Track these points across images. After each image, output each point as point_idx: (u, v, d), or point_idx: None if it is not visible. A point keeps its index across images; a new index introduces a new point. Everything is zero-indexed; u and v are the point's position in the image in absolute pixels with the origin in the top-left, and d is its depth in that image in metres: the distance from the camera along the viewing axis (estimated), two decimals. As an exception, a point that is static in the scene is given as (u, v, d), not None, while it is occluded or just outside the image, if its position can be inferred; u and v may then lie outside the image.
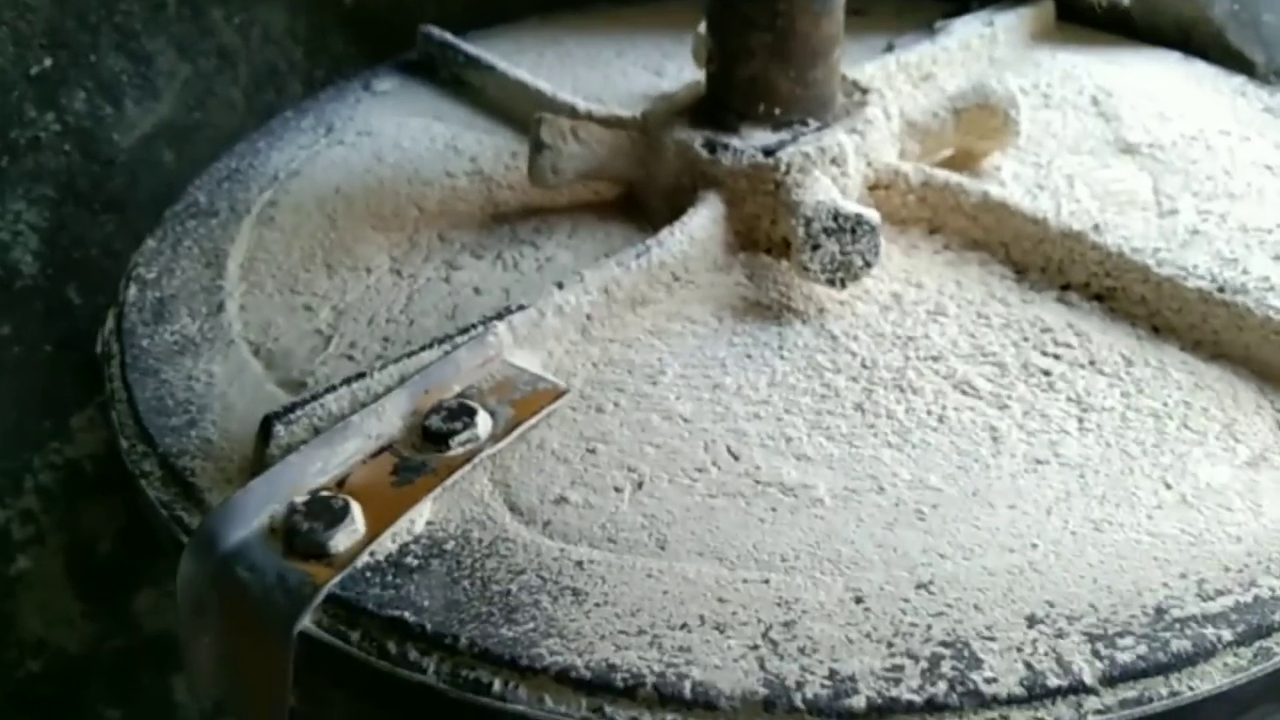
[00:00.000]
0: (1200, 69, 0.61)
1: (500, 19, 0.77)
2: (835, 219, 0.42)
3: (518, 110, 0.60)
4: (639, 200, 0.52)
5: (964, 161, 0.52)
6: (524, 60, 0.67)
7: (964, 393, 0.40)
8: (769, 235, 0.48)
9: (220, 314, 0.47)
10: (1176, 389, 0.39)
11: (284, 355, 0.44)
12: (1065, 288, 0.45)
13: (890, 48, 0.61)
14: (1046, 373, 0.40)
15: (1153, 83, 0.59)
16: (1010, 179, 0.51)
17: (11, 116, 0.69)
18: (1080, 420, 0.38)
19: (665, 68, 0.64)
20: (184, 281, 0.49)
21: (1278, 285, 0.45)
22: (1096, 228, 0.44)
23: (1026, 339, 0.42)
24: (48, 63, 0.69)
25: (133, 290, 0.49)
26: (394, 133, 0.60)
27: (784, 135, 0.48)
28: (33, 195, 0.71)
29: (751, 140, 0.47)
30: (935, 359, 0.41)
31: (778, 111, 0.48)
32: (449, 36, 0.66)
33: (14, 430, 0.73)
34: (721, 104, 0.49)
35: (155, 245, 0.52)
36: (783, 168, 0.46)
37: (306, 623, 0.33)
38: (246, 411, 0.41)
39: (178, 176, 0.74)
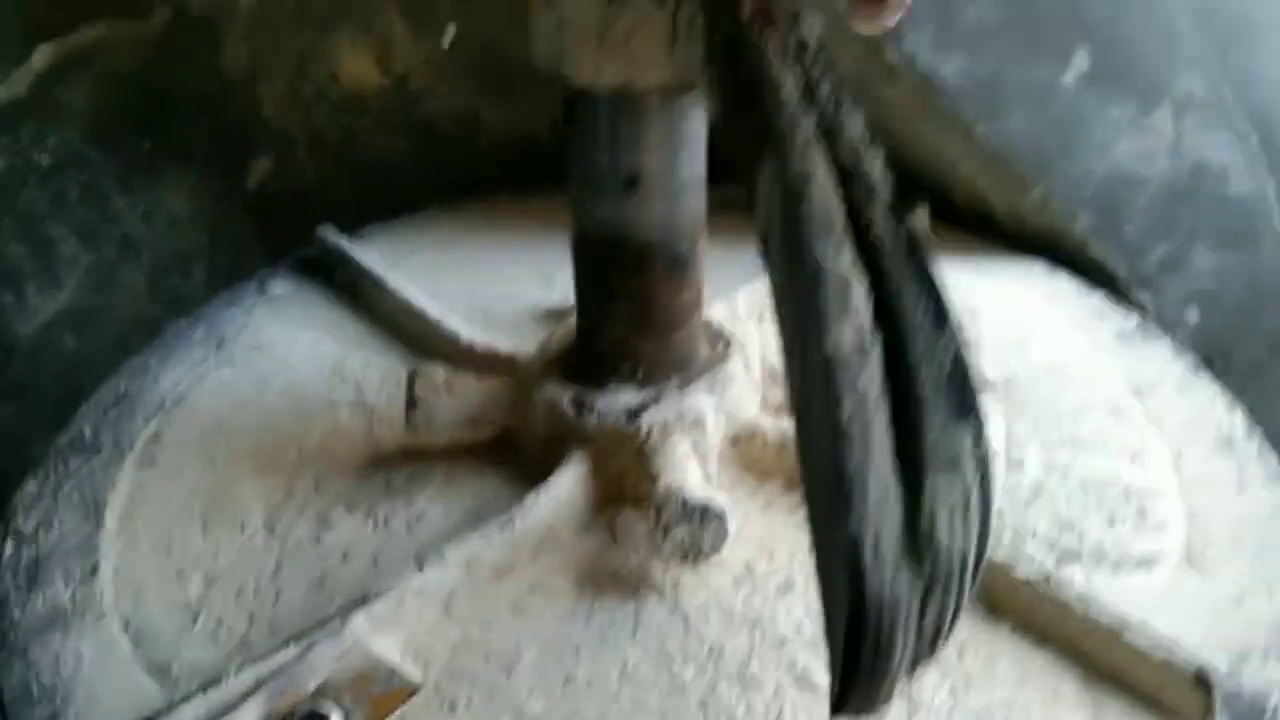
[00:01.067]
0: (1063, 285, 0.65)
1: (406, 205, 0.79)
2: (684, 507, 0.44)
3: (406, 331, 0.62)
4: (514, 443, 0.53)
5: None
6: (420, 264, 0.68)
7: (800, 688, 0.41)
8: (634, 490, 0.49)
9: (94, 578, 0.48)
10: (1003, 684, 0.42)
11: (152, 634, 0.45)
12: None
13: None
14: (882, 662, 0.42)
15: (1014, 304, 0.62)
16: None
17: (-90, 304, 0.70)
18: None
19: (556, 277, 0.66)
20: (61, 536, 0.50)
21: (1109, 552, 0.47)
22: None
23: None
24: (-51, 251, 0.70)
25: (9, 547, 0.49)
26: (284, 351, 0.61)
27: (648, 395, 0.50)
28: (-69, 382, 0.71)
29: (617, 400, 0.49)
30: (780, 645, 0.43)
31: (641, 372, 0.50)
32: (343, 244, 0.67)
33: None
34: (590, 360, 0.51)
35: (36, 489, 0.53)
36: (643, 432, 0.48)
37: None
38: (111, 703, 0.42)
39: (80, 363, 0.75)
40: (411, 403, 0.51)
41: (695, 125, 0.45)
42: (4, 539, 0.50)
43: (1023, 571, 0.44)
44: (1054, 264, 0.67)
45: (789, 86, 0.31)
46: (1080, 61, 0.64)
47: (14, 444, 0.73)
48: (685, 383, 0.50)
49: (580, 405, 0.49)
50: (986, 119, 0.63)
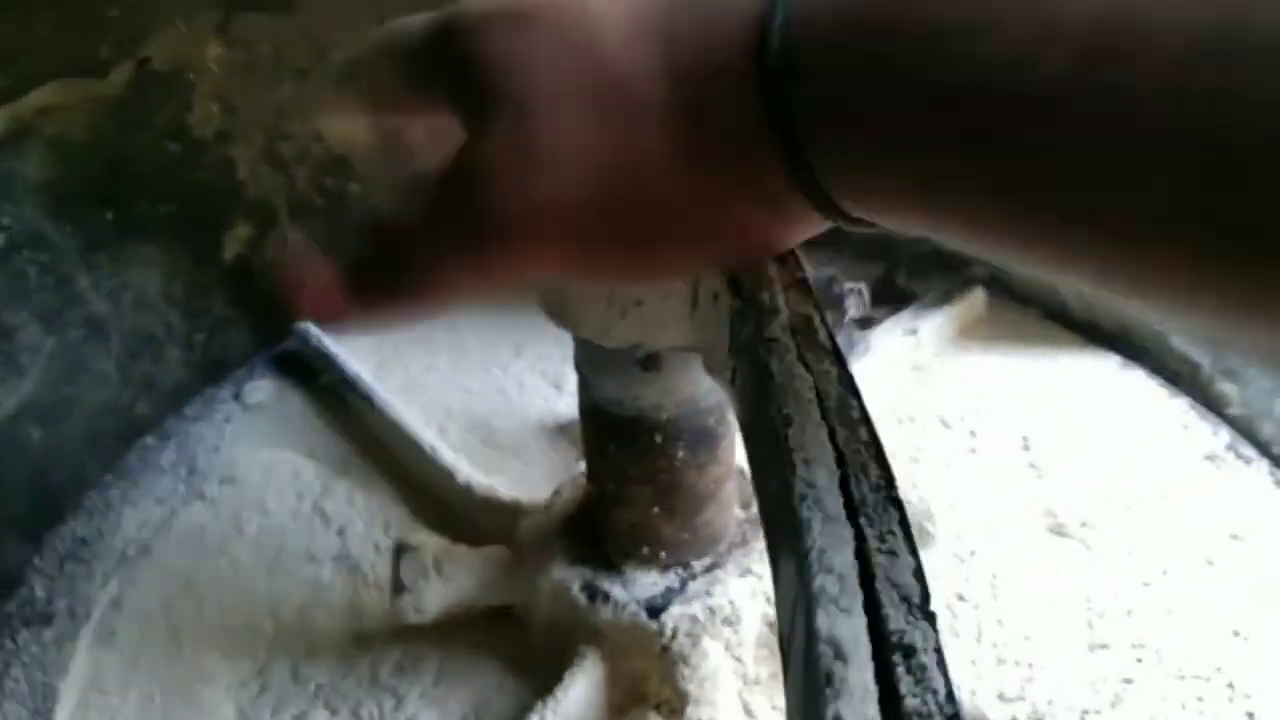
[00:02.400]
0: (1139, 383, 0.57)
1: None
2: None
3: (396, 459, 0.55)
4: (516, 620, 0.46)
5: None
6: (415, 364, 0.62)
7: None
8: (657, 693, 0.43)
9: (38, 805, 0.42)
10: None
11: None
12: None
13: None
14: None
15: (1086, 415, 0.55)
16: (932, 580, 0.47)
17: None
18: None
19: (564, 376, 0.59)
20: (3, 745, 0.44)
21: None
22: (1001, 697, 0.40)
23: None
24: (-102, 346, 0.63)
25: (-56, 757, 0.44)
26: (260, 483, 0.55)
27: (671, 581, 0.43)
28: (-112, 486, 0.65)
29: (634, 587, 0.43)
30: None
31: (663, 555, 0.43)
32: (326, 343, 0.60)
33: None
34: (603, 536, 0.44)
35: (-21, 675, 0.46)
36: (668, 632, 0.41)
37: None
38: None
39: (48, 458, 0.69)
40: (398, 588, 0.44)
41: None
42: (-60, 746, 0.44)
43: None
44: (1129, 358, 0.59)
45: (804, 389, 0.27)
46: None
47: (-18, 542, 0.67)
48: (715, 563, 0.43)
49: (592, 592, 0.43)
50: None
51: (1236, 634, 0.45)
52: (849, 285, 0.39)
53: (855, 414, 0.27)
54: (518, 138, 0.28)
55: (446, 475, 0.51)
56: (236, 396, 0.60)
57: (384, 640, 0.46)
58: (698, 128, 0.28)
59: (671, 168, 0.28)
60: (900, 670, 0.22)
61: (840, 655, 0.22)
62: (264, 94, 0.68)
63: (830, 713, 0.21)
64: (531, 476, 0.52)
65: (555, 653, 0.44)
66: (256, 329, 0.71)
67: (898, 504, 0.24)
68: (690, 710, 0.39)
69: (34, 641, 0.48)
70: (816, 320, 0.29)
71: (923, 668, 0.22)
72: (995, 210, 0.24)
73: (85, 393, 0.70)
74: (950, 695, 0.22)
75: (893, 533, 0.24)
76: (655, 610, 0.42)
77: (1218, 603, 0.46)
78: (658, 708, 0.43)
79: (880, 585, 0.23)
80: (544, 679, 0.43)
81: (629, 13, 0.29)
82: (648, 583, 0.43)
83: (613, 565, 0.43)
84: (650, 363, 0.38)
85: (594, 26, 0.28)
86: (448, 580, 0.44)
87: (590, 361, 0.39)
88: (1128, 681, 0.43)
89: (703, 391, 0.39)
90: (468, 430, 0.56)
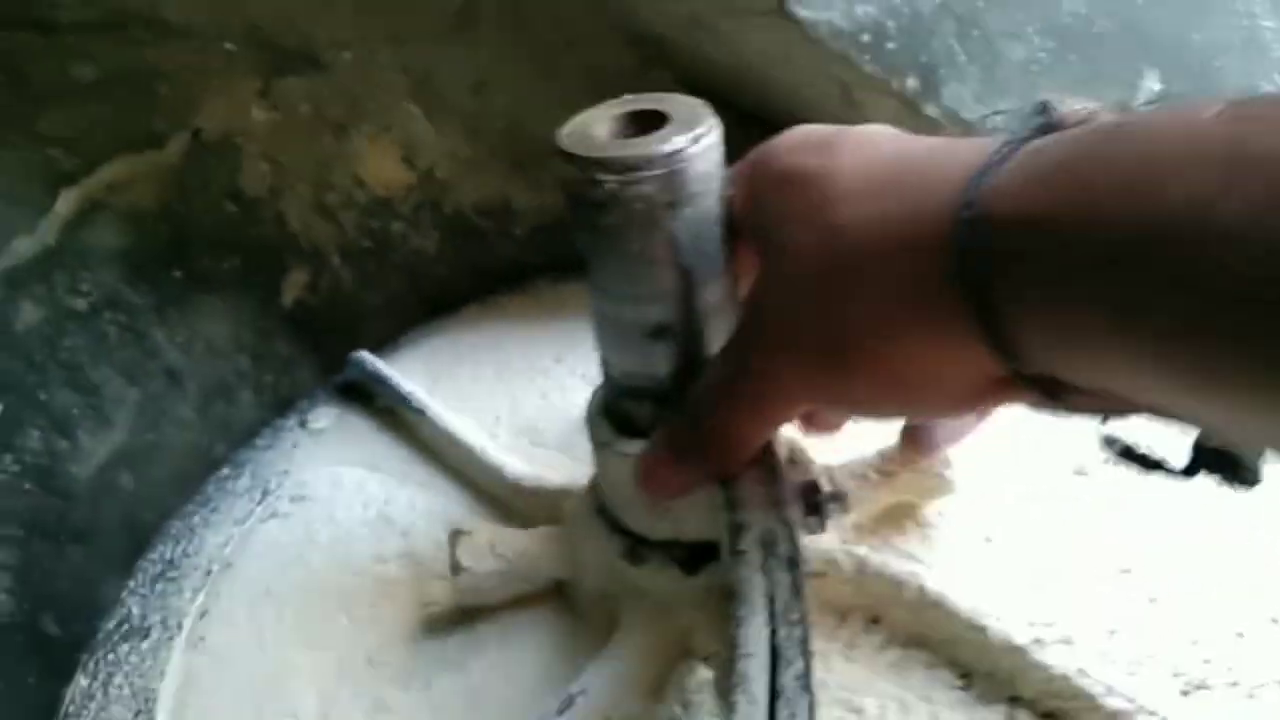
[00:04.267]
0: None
1: (440, 300, 0.76)
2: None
3: (450, 462, 0.59)
4: (569, 594, 0.50)
5: (904, 510, 0.50)
6: (462, 376, 0.65)
7: None
8: (703, 649, 0.45)
9: (146, 792, 0.45)
10: None
11: None
12: (1014, 700, 0.42)
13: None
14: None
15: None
16: (955, 531, 0.49)
17: (-31, 465, 0.69)
18: None
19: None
20: (112, 743, 0.48)
21: (1243, 677, 0.42)
22: (1038, 641, 0.42)
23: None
24: (-1, 407, 0.69)
25: (62, 758, 0.48)
26: (328, 496, 0.59)
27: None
28: (1, 536, 0.71)
29: (674, 547, 0.45)
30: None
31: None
32: (379, 367, 0.64)
33: (12, 764, 0.73)
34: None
35: (87, 684, 0.51)
36: (707, 584, 0.44)
37: None
38: None
39: (139, 500, 0.74)
40: (455, 569, 0.47)
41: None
42: (57, 749, 0.48)
43: (1144, 724, 0.39)
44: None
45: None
46: (1150, 83, 0.58)
47: (84, 585, 0.72)
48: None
49: (634, 556, 0.46)
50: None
51: (1260, 545, 0.46)
52: (828, 491, 0.45)
53: (795, 616, 0.35)
54: (769, 295, 0.36)
55: (496, 471, 0.55)
56: (302, 424, 0.64)
57: (449, 623, 0.50)
58: (909, 313, 0.31)
59: (888, 341, 0.32)
60: None
61: None
62: (307, 149, 0.73)
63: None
64: (577, 471, 0.55)
65: (606, 619, 0.47)
66: (319, 365, 0.75)
67: (809, 690, 0.33)
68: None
69: (133, 653, 0.52)
70: (781, 535, 0.38)
71: None
72: (1186, 351, 0.25)
73: (168, 438, 0.75)
74: None
75: (795, 715, 0.33)
76: (694, 568, 0.45)
77: (1241, 521, 0.47)
78: (705, 660, 0.45)
79: None
80: (598, 644, 0.45)
81: (851, 183, 0.33)
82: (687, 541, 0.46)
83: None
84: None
85: (828, 194, 0.34)
86: (501, 559, 0.48)
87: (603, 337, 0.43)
88: (1153, 601, 0.45)
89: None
90: (516, 434, 0.60)
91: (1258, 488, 0.37)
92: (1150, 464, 0.40)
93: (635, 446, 0.43)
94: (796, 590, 0.37)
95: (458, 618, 0.50)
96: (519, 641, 0.49)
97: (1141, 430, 0.49)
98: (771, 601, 0.36)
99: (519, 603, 0.50)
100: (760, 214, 0.37)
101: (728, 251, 0.40)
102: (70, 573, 0.74)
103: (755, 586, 0.37)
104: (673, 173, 0.36)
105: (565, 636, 0.48)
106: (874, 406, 0.36)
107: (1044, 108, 0.31)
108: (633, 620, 0.45)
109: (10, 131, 0.68)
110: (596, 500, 0.48)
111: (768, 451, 0.40)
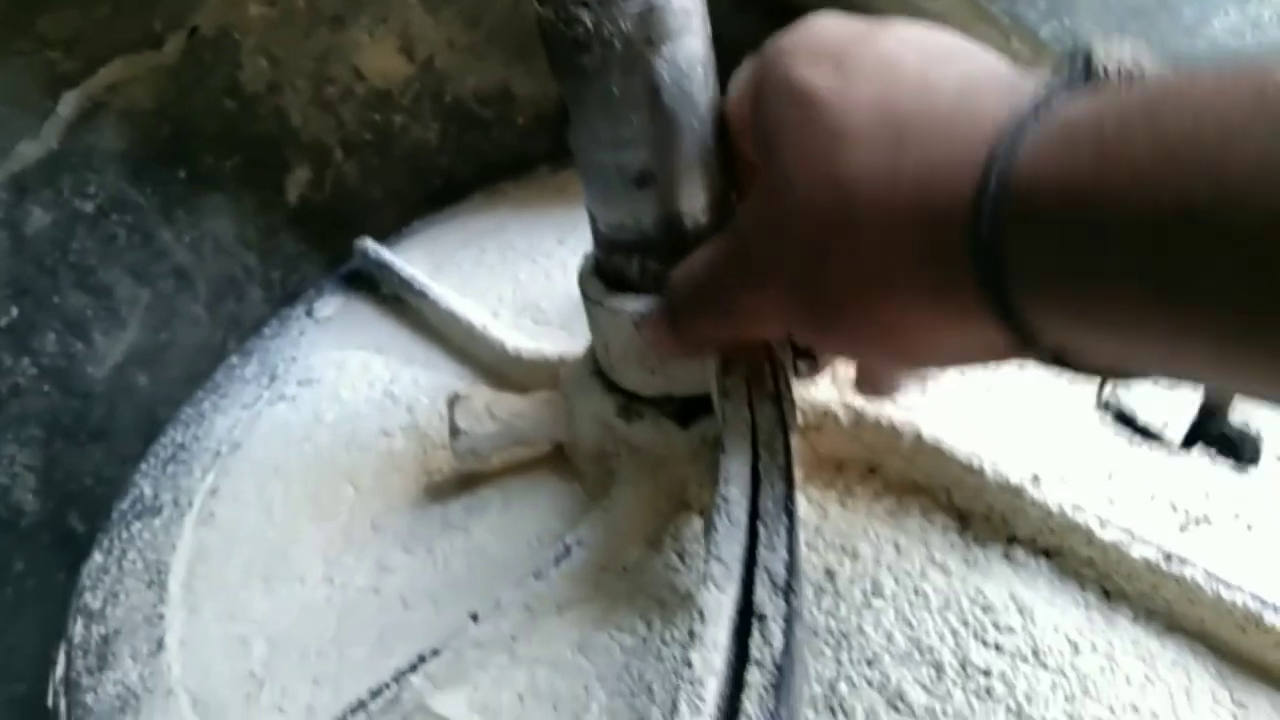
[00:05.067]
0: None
1: (445, 191, 0.76)
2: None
3: (454, 340, 0.59)
4: (567, 457, 0.50)
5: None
6: (465, 260, 0.65)
7: (897, 709, 0.37)
8: (698, 500, 0.45)
9: (161, 653, 0.47)
10: (1125, 684, 0.37)
11: (219, 709, 0.44)
12: (1011, 540, 0.42)
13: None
14: (986, 672, 0.38)
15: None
16: (955, 383, 0.48)
17: (-10, 368, 0.70)
18: (1019, 742, 0.36)
19: (604, 257, 0.62)
20: (127, 611, 0.49)
21: (1244, 511, 0.41)
22: (1035, 479, 0.41)
23: (967, 623, 0.39)
24: (15, 312, 0.70)
25: (79, 626, 0.49)
26: (334, 378, 0.59)
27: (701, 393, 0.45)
28: (23, 438, 0.72)
29: (668, 404, 0.45)
30: (869, 663, 0.39)
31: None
32: (383, 253, 0.64)
33: (38, 655, 0.75)
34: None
35: (101, 561, 0.52)
36: (700, 437, 0.44)
37: None
38: (180, 789, 0.41)
39: (155, 398, 0.75)
40: (454, 432, 0.48)
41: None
42: (74, 618, 0.50)
43: (1138, 553, 0.38)
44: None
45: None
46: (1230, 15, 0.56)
47: (104, 483, 0.74)
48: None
49: (628, 413, 0.46)
50: (1051, 18, 0.55)
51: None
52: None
53: (778, 445, 0.36)
54: (761, 212, 0.34)
55: (497, 345, 0.55)
56: (309, 313, 0.65)
57: (451, 490, 0.50)
58: (909, 269, 0.29)
59: (879, 290, 0.30)
60: (755, 630, 0.31)
61: (702, 618, 0.32)
62: (304, 43, 0.73)
63: (686, 656, 0.31)
64: (577, 345, 0.55)
65: (603, 478, 0.47)
66: (326, 260, 0.76)
67: (791, 514, 0.33)
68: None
69: (145, 530, 0.53)
70: (767, 371, 0.39)
71: (769, 630, 0.31)
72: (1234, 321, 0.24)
73: (180, 336, 0.76)
74: (787, 650, 0.30)
75: (779, 535, 0.33)
76: (687, 419, 0.45)
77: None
78: (701, 512, 0.46)
79: (757, 571, 0.32)
80: (596, 503, 0.46)
81: (867, 122, 0.30)
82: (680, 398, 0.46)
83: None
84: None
85: (838, 130, 0.31)
86: (497, 421, 0.48)
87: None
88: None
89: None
90: (519, 313, 0.60)
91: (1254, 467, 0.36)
92: (1147, 434, 0.39)
93: (626, 302, 0.43)
94: (781, 422, 0.37)
95: (460, 484, 0.50)
96: (519, 503, 0.49)
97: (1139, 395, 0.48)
98: (754, 430, 0.36)
99: (518, 467, 0.50)
100: (763, 125, 0.34)
101: (714, 97, 0.39)
102: (92, 470, 0.76)
103: (740, 418, 0.37)
104: (651, 7, 0.35)
105: (564, 497, 0.48)
106: (856, 355, 0.37)
107: (1087, 58, 0.28)
108: (628, 475, 0.45)
109: (10, 34, 0.67)
110: (592, 362, 0.48)
111: None
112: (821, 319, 0.33)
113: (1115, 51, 0.29)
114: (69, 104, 0.71)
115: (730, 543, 0.33)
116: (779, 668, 0.29)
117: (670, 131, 0.38)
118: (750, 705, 0.29)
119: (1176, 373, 0.27)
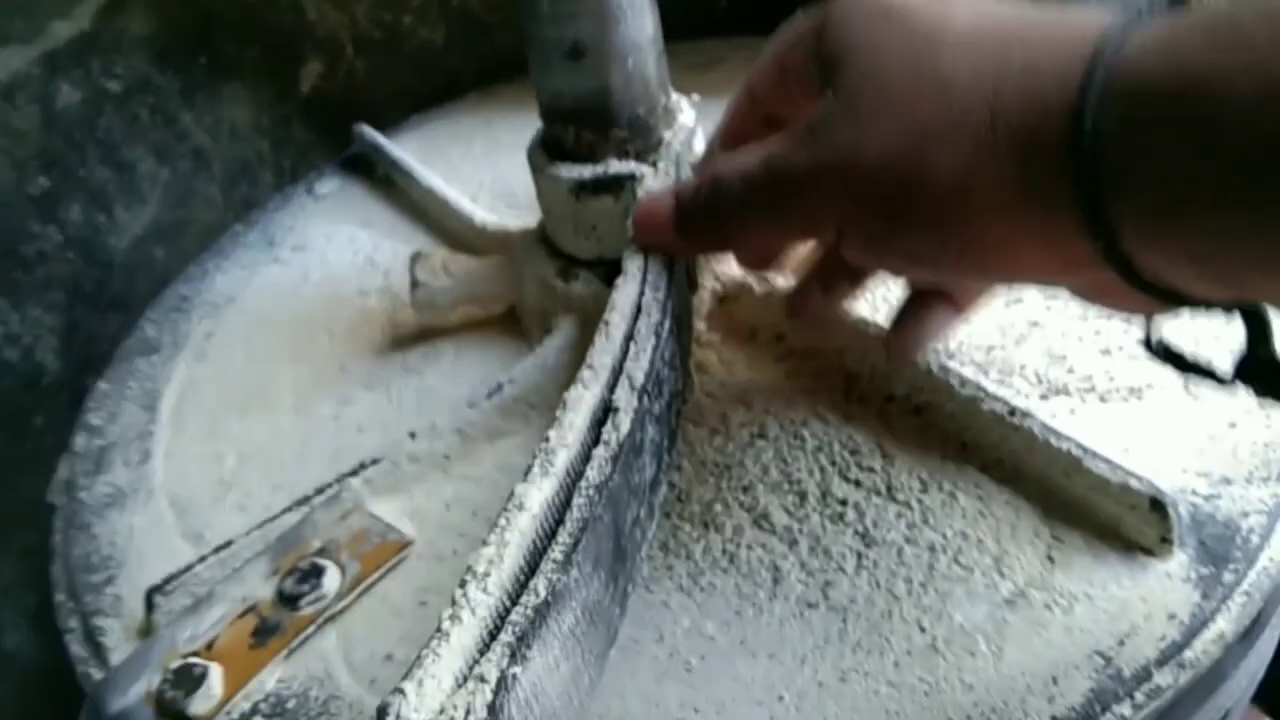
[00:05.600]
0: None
1: (448, 90, 0.81)
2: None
3: (432, 216, 0.64)
4: (516, 319, 0.55)
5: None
6: (454, 151, 0.71)
7: (760, 527, 0.43)
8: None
9: (147, 463, 0.53)
10: (961, 518, 0.42)
11: (192, 507, 0.50)
12: (889, 399, 0.47)
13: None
14: (843, 501, 0.43)
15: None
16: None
17: (19, 234, 0.76)
18: (860, 556, 0.41)
19: (578, 151, 0.67)
20: (123, 429, 0.56)
21: (1099, 385, 0.46)
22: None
23: (834, 463, 0.45)
24: (43, 182, 0.76)
25: (81, 438, 0.56)
26: (323, 246, 0.65)
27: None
28: (47, 302, 0.79)
29: (600, 266, 0.51)
30: (744, 490, 0.44)
31: (626, 239, 0.51)
32: (378, 138, 0.70)
33: (51, 508, 0.83)
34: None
35: (105, 388, 0.59)
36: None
37: (173, 777, 0.40)
38: (153, 566, 0.47)
39: (170, 270, 0.82)
40: (413, 284, 0.53)
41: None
42: (78, 431, 0.56)
43: (988, 407, 0.43)
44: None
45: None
46: None
47: (122, 350, 0.80)
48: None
49: (567, 274, 0.51)
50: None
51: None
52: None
53: (662, 283, 0.41)
54: (845, 103, 0.33)
55: (466, 218, 0.61)
56: (309, 191, 0.71)
57: (412, 341, 0.56)
58: (1002, 169, 0.29)
59: (967, 192, 0.30)
60: (608, 421, 0.36)
61: (564, 406, 0.37)
62: (323, -59, 0.78)
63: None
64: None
65: (545, 333, 0.52)
66: (333, 151, 0.81)
67: (660, 337, 0.38)
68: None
69: (145, 364, 0.60)
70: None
71: (619, 420, 0.36)
72: None
73: (196, 215, 0.82)
74: (630, 435, 0.36)
75: (645, 351, 0.38)
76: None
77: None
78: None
79: (620, 378, 0.37)
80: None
81: (968, 29, 0.31)
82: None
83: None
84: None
85: (938, 32, 0.31)
86: (453, 277, 0.54)
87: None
88: (1034, 324, 0.49)
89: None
90: (495, 199, 0.65)
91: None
92: (1193, 368, 0.41)
93: (566, 169, 0.48)
94: (668, 266, 0.42)
95: (420, 337, 0.56)
96: (470, 355, 0.55)
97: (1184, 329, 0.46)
98: (644, 272, 0.41)
99: (474, 326, 0.56)
100: (838, 43, 0.34)
101: None
102: (109, 337, 0.82)
103: (633, 261, 0.42)
104: None
105: (510, 352, 0.54)
106: (919, 263, 0.34)
107: None
108: (561, 327, 0.51)
109: (50, -80, 0.73)
110: (540, 230, 0.54)
111: None
112: (896, 215, 0.32)
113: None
114: (100, -14, 0.76)
115: (603, 354, 0.38)
116: (621, 447, 0.35)
117: (600, 6, 0.44)
118: (591, 472, 0.34)
119: (1262, 285, 0.27)
